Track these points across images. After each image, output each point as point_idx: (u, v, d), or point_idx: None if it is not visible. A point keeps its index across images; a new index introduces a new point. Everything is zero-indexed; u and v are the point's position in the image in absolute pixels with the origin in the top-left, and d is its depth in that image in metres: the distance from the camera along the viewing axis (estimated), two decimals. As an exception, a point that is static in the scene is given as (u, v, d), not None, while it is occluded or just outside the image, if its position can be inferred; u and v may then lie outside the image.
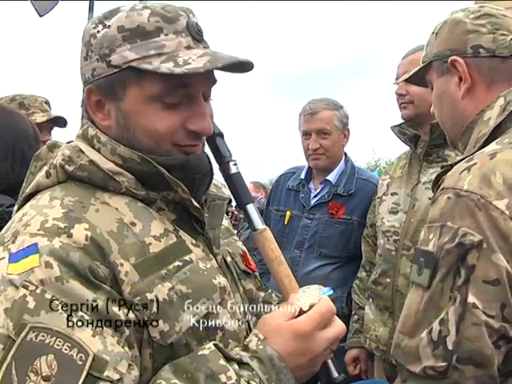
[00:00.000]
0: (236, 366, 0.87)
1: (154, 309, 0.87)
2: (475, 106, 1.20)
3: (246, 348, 0.91)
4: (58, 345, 0.76)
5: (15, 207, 1.03)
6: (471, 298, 0.95)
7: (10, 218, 0.97)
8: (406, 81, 1.49)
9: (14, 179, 1.69)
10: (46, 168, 0.98)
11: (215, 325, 0.95)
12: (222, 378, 0.84)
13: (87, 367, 0.76)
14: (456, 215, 1.00)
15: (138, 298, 0.87)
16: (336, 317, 0.97)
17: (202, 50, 0.96)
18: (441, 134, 1.96)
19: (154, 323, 0.87)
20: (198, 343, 0.92)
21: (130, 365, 0.81)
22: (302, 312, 0.94)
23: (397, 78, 2.13)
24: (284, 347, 0.90)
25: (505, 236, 0.96)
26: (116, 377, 0.78)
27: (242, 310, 1.04)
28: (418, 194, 2.06)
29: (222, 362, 0.86)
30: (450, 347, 0.95)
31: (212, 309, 0.95)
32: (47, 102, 2.64)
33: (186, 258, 0.96)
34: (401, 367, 1.04)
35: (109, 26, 0.95)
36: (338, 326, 0.96)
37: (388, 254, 2.13)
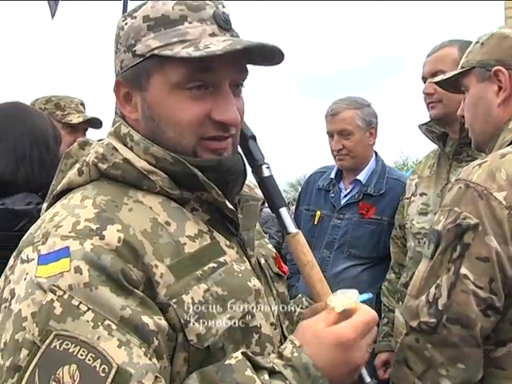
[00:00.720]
0: (266, 376, 0.84)
1: (191, 311, 0.86)
2: (507, 114, 1.33)
3: (280, 355, 0.88)
4: (81, 355, 0.74)
5: (44, 205, 1.02)
6: (463, 270, 1.15)
7: (39, 216, 0.96)
8: (439, 84, 1.56)
9: (33, 180, 1.69)
10: (78, 166, 0.97)
11: (251, 327, 0.94)
12: None
13: (110, 380, 0.74)
14: (462, 202, 1.19)
15: (174, 300, 0.85)
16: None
17: (227, 37, 0.94)
18: None
19: (191, 325, 0.85)
20: (234, 347, 0.90)
21: (156, 377, 0.78)
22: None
23: (423, 77, 2.11)
24: (325, 356, 0.87)
25: (499, 222, 1.14)
26: None
27: (275, 313, 1.02)
28: None
29: (249, 372, 0.83)
30: (440, 308, 1.16)
31: (248, 311, 0.93)
32: (82, 104, 2.66)
33: (221, 259, 0.94)
34: (406, 324, 1.23)
35: (135, 16, 0.95)
36: (373, 333, 0.95)
37: (419, 257, 2.08)
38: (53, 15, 3.85)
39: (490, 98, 1.36)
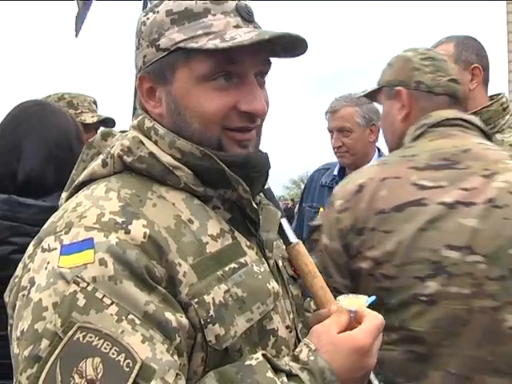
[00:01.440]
0: (285, 379, 0.84)
1: (212, 312, 0.85)
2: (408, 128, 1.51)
3: (296, 358, 0.88)
4: (105, 348, 0.73)
5: (63, 194, 1.01)
6: (313, 259, 1.21)
7: None
8: (366, 96, 1.75)
9: (61, 180, 1.69)
10: (102, 157, 0.95)
11: (268, 330, 0.94)
12: None
13: (134, 375, 0.73)
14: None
15: (196, 299, 0.84)
16: None
17: (251, 28, 0.94)
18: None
19: (210, 326, 0.84)
20: (251, 349, 0.90)
21: (177, 374, 0.77)
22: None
23: None
24: (342, 362, 0.87)
25: (330, 223, 1.41)
26: None
27: (291, 316, 1.02)
28: None
29: (270, 374, 0.83)
30: None
31: (266, 314, 0.93)
32: (95, 102, 2.62)
33: (242, 260, 0.93)
34: None
35: (157, 11, 0.95)
36: (381, 337, 0.95)
37: None
38: (77, 33, 3.58)
39: (394, 113, 1.56)
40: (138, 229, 0.83)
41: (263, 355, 0.86)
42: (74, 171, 1.02)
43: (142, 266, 0.80)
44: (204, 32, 0.90)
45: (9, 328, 0.84)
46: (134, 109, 3.00)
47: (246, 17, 0.94)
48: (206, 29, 0.91)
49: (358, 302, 0.98)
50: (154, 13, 0.96)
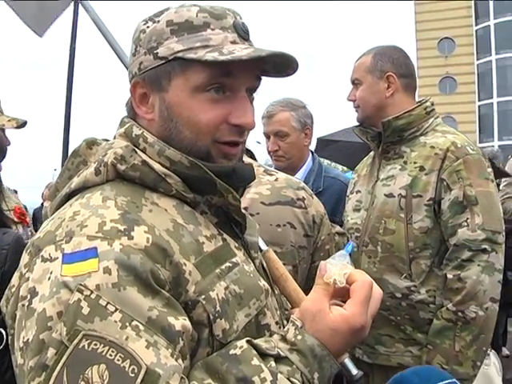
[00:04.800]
0: (273, 363, 0.84)
1: (218, 307, 0.87)
2: None
3: (283, 338, 0.89)
4: (110, 355, 0.74)
5: (47, 203, 1.01)
6: None
7: None
8: None
9: None
10: (94, 165, 0.96)
11: (263, 325, 0.97)
12: (256, 380, 0.81)
13: (139, 380, 0.73)
14: None
15: (203, 296, 0.87)
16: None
17: (247, 45, 0.97)
18: (394, 131, 2.07)
19: (218, 320, 0.87)
20: None
21: (181, 378, 0.78)
22: (343, 289, 0.92)
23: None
24: (341, 343, 0.88)
25: None
26: None
27: (278, 312, 1.06)
28: (377, 191, 2.14)
29: (256, 361, 0.83)
30: None
31: (261, 309, 0.97)
32: None
33: (234, 260, 0.97)
34: None
35: (158, 21, 0.98)
36: (375, 300, 0.94)
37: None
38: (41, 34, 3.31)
39: None
40: (141, 234, 0.84)
41: (247, 341, 0.87)
42: (58, 179, 1.02)
43: (147, 270, 0.81)
44: (202, 44, 0.94)
45: (10, 338, 0.85)
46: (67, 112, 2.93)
47: (243, 34, 0.99)
48: (204, 41, 0.94)
49: (343, 262, 0.97)
50: (153, 22, 0.99)
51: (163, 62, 0.96)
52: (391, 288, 2.03)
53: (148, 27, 0.99)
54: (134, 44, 1.01)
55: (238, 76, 0.96)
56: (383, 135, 2.13)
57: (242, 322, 0.92)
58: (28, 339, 0.77)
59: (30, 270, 0.83)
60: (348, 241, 2.21)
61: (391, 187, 2.07)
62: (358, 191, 2.28)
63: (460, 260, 1.92)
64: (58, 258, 0.81)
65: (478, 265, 1.90)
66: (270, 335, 0.96)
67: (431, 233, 1.99)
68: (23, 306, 0.81)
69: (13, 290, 0.86)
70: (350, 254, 1.02)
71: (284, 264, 1.66)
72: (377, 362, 2.08)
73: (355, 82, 2.18)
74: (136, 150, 0.96)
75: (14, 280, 0.87)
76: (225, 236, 1.00)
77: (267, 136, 2.62)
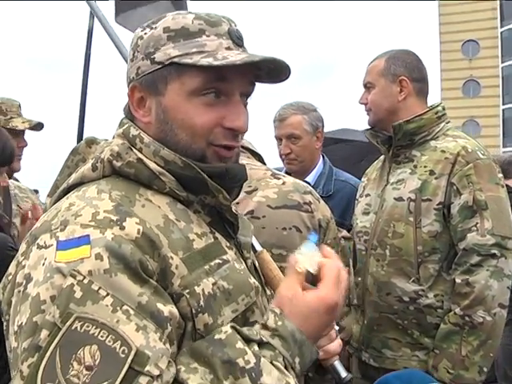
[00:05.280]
0: (256, 348, 0.88)
1: (202, 302, 0.90)
2: None
3: (265, 326, 0.92)
4: (102, 336, 0.77)
5: (47, 199, 1.05)
6: None
7: None
8: None
9: None
10: (91, 161, 1.00)
11: (251, 322, 0.99)
12: (240, 362, 0.84)
13: (129, 360, 0.76)
14: None
15: (187, 290, 0.89)
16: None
17: (240, 51, 1.01)
18: (405, 135, 2.07)
19: (200, 315, 0.89)
20: None
21: (169, 361, 0.81)
22: (314, 276, 0.97)
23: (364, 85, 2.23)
24: (316, 322, 0.93)
25: None
26: (156, 372, 0.78)
27: None
28: (386, 195, 2.14)
29: (240, 345, 0.87)
30: None
31: (250, 306, 0.99)
32: (20, 105, 2.62)
33: (224, 257, 1.00)
34: None
35: (155, 27, 1.01)
36: (343, 279, 0.99)
37: (359, 254, 2.22)
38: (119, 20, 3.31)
39: None
40: (132, 225, 0.88)
41: (232, 327, 0.90)
42: (58, 177, 1.06)
43: (136, 259, 0.84)
44: (197, 50, 0.97)
45: (5, 324, 0.88)
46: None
47: (237, 41, 1.02)
48: (199, 47, 0.98)
49: (311, 250, 1.01)
50: (151, 29, 1.02)
51: (160, 66, 0.99)
52: (399, 292, 2.03)
53: (146, 34, 1.02)
54: (131, 50, 1.05)
55: (231, 81, 0.99)
56: (394, 139, 2.13)
57: (228, 317, 0.94)
58: (22, 322, 0.80)
59: (27, 258, 0.87)
60: (350, 243, 2.21)
61: (401, 191, 2.08)
62: (368, 195, 2.28)
63: (469, 265, 1.92)
64: (52, 245, 0.85)
65: (487, 270, 1.90)
66: None
67: (440, 237, 1.99)
68: (19, 291, 0.84)
69: (9, 277, 0.89)
70: (316, 243, 1.04)
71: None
72: (383, 366, 2.08)
73: (367, 86, 2.18)
74: (132, 148, 0.99)
75: (11, 268, 0.90)
76: (216, 235, 1.03)
77: (279, 139, 2.63)
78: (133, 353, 0.77)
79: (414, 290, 2.00)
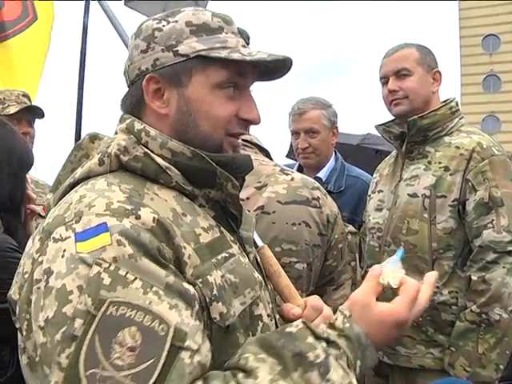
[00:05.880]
0: (324, 344, 0.87)
1: (215, 291, 0.92)
2: None
3: (332, 325, 0.92)
4: (139, 317, 0.78)
5: (50, 195, 1.06)
6: None
7: None
8: None
9: None
10: (98, 156, 1.00)
11: (256, 315, 1.01)
12: (310, 356, 0.84)
13: (170, 337, 0.78)
14: None
15: (200, 279, 0.91)
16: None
17: (255, 49, 1.05)
18: (419, 131, 2.05)
19: (215, 304, 0.91)
20: (244, 331, 0.97)
21: (203, 336, 0.84)
22: (393, 290, 0.97)
23: (383, 76, 2.18)
24: (384, 335, 0.93)
25: None
26: (195, 347, 0.80)
27: (270, 306, 1.09)
28: (400, 191, 2.12)
29: (310, 339, 0.87)
30: None
31: (255, 299, 1.01)
32: (25, 95, 2.63)
33: (230, 250, 1.01)
34: None
35: (176, 21, 1.03)
36: (420, 305, 0.97)
37: (372, 251, 2.21)
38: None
39: None
40: (147, 214, 0.88)
41: (303, 322, 0.90)
42: (60, 172, 1.07)
43: (155, 247, 0.85)
44: (221, 46, 1.02)
45: (25, 323, 0.86)
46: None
47: (246, 40, 1.08)
48: (222, 43, 1.02)
49: (396, 267, 1.02)
50: (168, 22, 1.04)
51: (184, 59, 1.01)
52: (413, 289, 2.01)
53: (164, 26, 1.03)
54: (143, 41, 1.04)
55: (247, 76, 1.05)
56: (407, 134, 2.11)
57: (239, 308, 0.95)
58: (48, 316, 0.80)
59: (43, 254, 0.86)
60: (363, 240, 2.20)
61: (415, 187, 2.06)
62: (380, 191, 2.26)
63: (485, 262, 1.90)
64: (69, 236, 0.85)
65: (503, 267, 1.88)
66: (263, 326, 1.01)
67: (455, 234, 1.98)
68: (39, 288, 0.83)
69: (26, 276, 0.89)
70: (401, 259, 1.05)
71: (298, 262, 1.73)
72: (397, 364, 2.07)
73: (402, 73, 2.11)
74: (139, 142, 1.00)
75: (27, 267, 0.89)
76: (222, 229, 1.04)
77: (296, 133, 2.63)
78: (172, 330, 0.79)
79: None
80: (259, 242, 1.19)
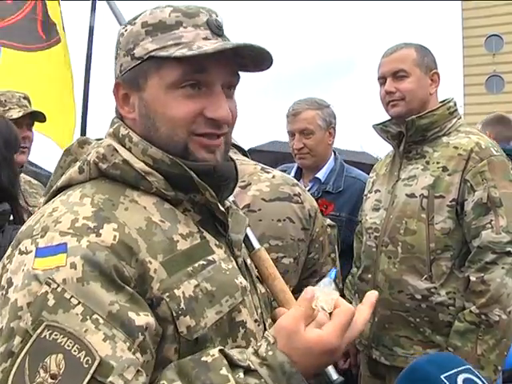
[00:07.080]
0: (241, 375, 0.86)
1: (182, 305, 0.90)
2: None
3: (256, 352, 0.90)
4: (68, 345, 0.78)
5: (42, 199, 1.07)
6: None
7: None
8: None
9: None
10: (79, 164, 1.01)
11: (237, 322, 0.99)
12: None
13: (92, 371, 0.77)
14: None
15: (167, 294, 0.89)
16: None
17: (219, 40, 1.00)
18: (417, 131, 2.04)
19: (182, 318, 0.89)
20: (222, 339, 0.95)
21: (138, 371, 0.81)
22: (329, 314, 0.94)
23: (381, 77, 2.17)
24: (313, 362, 0.90)
25: None
26: (120, 383, 0.78)
27: (259, 311, 1.07)
28: (398, 191, 2.12)
29: (224, 371, 0.85)
30: None
31: (235, 306, 0.98)
32: (26, 98, 2.63)
33: (210, 257, 0.99)
34: None
35: (134, 23, 1.02)
36: (355, 329, 0.95)
37: (369, 251, 2.20)
38: None
39: None
40: (109, 232, 0.88)
41: (220, 351, 0.88)
42: (51, 177, 1.07)
43: (111, 265, 0.85)
44: (174, 42, 0.97)
45: None
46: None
47: (216, 31, 1.01)
48: (176, 40, 0.98)
49: (330, 289, 1.01)
50: (131, 25, 1.03)
51: (139, 62, 1.00)
52: (411, 289, 2.01)
53: (126, 30, 1.03)
54: (115, 48, 1.05)
55: (211, 72, 0.99)
56: (406, 134, 2.11)
57: (212, 318, 0.94)
58: (2, 326, 0.82)
59: (10, 262, 0.89)
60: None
61: (413, 187, 2.05)
62: (377, 190, 2.26)
63: (483, 262, 1.89)
64: (32, 251, 0.86)
65: (502, 267, 1.87)
66: (245, 332, 1.00)
67: (453, 234, 1.97)
68: (2, 294, 0.85)
69: None
70: (334, 280, 1.04)
71: (285, 256, 1.77)
72: (395, 364, 2.06)
73: (400, 74, 2.11)
74: (118, 149, 0.99)
75: None
76: (205, 234, 1.02)
77: (292, 134, 2.63)
78: (96, 363, 0.77)
79: (427, 288, 1.98)
80: (256, 245, 1.17)
